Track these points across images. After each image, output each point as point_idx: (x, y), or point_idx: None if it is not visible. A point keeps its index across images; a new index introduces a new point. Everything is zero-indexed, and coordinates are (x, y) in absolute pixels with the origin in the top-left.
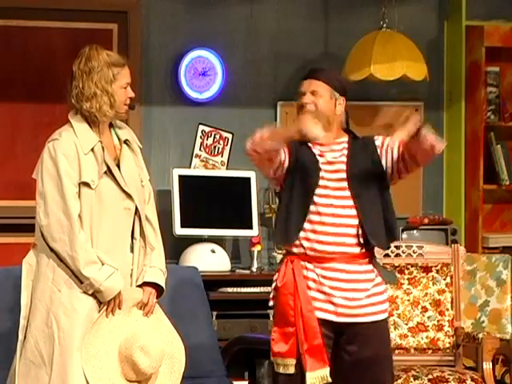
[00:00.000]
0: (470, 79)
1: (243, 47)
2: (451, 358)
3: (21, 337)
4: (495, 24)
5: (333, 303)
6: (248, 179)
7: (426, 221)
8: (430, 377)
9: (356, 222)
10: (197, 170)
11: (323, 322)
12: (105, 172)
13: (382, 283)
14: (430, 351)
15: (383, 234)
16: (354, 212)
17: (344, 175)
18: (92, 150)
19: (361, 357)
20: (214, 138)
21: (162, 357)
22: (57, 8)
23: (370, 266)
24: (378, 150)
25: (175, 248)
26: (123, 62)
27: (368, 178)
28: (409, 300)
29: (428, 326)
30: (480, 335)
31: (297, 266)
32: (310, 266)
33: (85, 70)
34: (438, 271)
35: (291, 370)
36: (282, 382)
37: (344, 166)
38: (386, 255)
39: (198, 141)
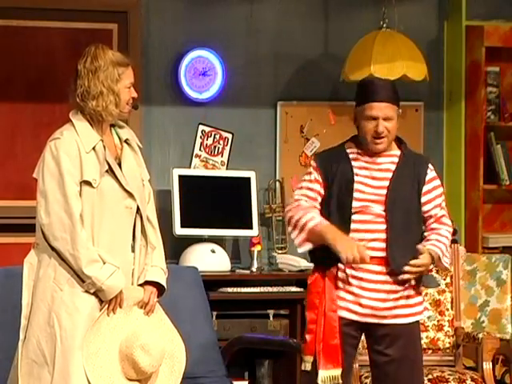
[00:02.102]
0: (469, 79)
1: (243, 47)
2: (451, 358)
3: (22, 336)
4: (495, 24)
5: (360, 304)
6: (248, 179)
7: None
8: (430, 377)
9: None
10: (197, 170)
11: (349, 323)
12: (106, 171)
13: (414, 286)
14: (430, 351)
15: (403, 259)
16: (383, 226)
17: (384, 191)
18: (93, 148)
19: (390, 357)
20: (214, 138)
21: (162, 356)
22: (57, 8)
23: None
24: (425, 188)
25: (175, 248)
26: (127, 61)
27: (407, 202)
28: None
29: (428, 326)
30: (480, 335)
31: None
32: (341, 265)
33: (91, 69)
34: (438, 271)
35: (308, 368)
36: (302, 380)
37: (387, 183)
38: None
39: (198, 141)
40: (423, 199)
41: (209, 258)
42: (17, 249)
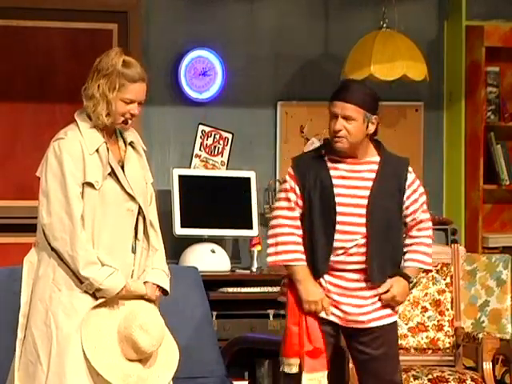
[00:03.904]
0: (469, 79)
1: (243, 47)
2: (451, 358)
3: (20, 335)
4: (495, 24)
5: (340, 309)
6: (248, 179)
7: None
8: (430, 377)
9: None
10: (197, 170)
11: (327, 322)
12: (109, 173)
13: None
14: (430, 351)
15: (382, 271)
16: (363, 237)
17: (365, 201)
18: (97, 150)
19: (369, 356)
20: (214, 138)
21: (162, 335)
22: (57, 8)
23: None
24: (406, 194)
25: (175, 248)
26: (136, 78)
27: (388, 212)
28: (409, 300)
29: (428, 326)
30: (480, 335)
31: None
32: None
33: (96, 69)
34: (438, 271)
35: (295, 370)
36: (284, 382)
37: (368, 193)
38: None
39: (198, 141)
40: (406, 203)
41: (209, 258)
42: (17, 249)
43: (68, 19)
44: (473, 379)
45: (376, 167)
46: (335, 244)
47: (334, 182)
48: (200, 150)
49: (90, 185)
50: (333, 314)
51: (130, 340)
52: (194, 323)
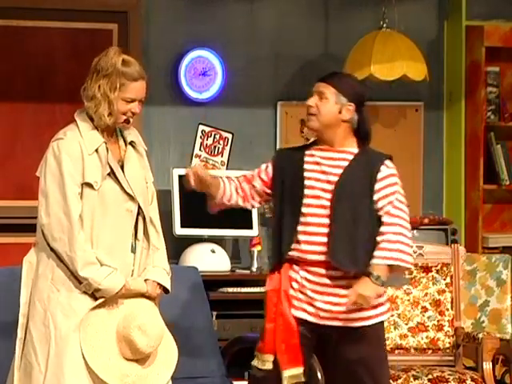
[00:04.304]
0: (469, 79)
1: (243, 47)
2: (451, 358)
3: (20, 335)
4: (495, 24)
5: (314, 306)
6: None
7: (426, 221)
8: (430, 377)
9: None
10: None
11: (303, 322)
12: (108, 174)
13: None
14: (430, 351)
15: (347, 256)
16: (327, 221)
17: (332, 187)
18: (96, 150)
19: (347, 359)
20: (214, 138)
21: (160, 335)
22: (57, 8)
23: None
24: (377, 186)
25: (175, 248)
26: (137, 77)
27: (355, 200)
28: (409, 300)
29: (428, 326)
30: (480, 335)
31: (285, 268)
32: (296, 267)
33: (96, 69)
34: (437, 271)
35: (268, 366)
36: (258, 377)
37: (336, 179)
38: None
39: (198, 141)
40: (375, 197)
41: (209, 258)
42: (17, 249)
43: (68, 19)
44: (473, 379)
45: (351, 157)
46: (300, 228)
47: (306, 166)
48: (200, 149)
49: (89, 185)
50: (306, 311)
51: (127, 340)
52: (194, 323)
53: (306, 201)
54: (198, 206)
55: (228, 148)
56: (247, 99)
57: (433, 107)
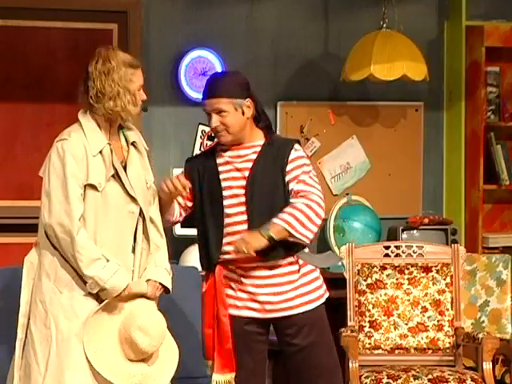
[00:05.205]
0: (469, 79)
1: (243, 47)
2: (451, 358)
3: (20, 335)
4: (495, 24)
5: (258, 301)
6: None
7: (426, 221)
8: (430, 377)
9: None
10: None
11: (250, 321)
12: (112, 175)
13: (311, 272)
14: (430, 351)
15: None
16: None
17: (245, 182)
18: (100, 152)
19: (298, 346)
20: (214, 138)
21: (162, 335)
22: (57, 8)
23: (292, 258)
24: (287, 168)
25: (175, 248)
26: (137, 63)
27: (269, 188)
28: (409, 300)
29: (428, 326)
30: (480, 335)
31: (218, 271)
32: (230, 267)
33: (103, 71)
34: (438, 271)
35: (209, 372)
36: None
37: (247, 173)
38: (386, 255)
39: (198, 141)
40: (287, 178)
41: None
42: (17, 249)
43: (68, 19)
44: (473, 379)
45: (259, 149)
46: (226, 229)
47: (220, 168)
48: (200, 149)
49: (93, 187)
50: (251, 308)
51: (129, 341)
52: (193, 323)
53: (226, 202)
54: None
55: None
56: None
57: (433, 107)
